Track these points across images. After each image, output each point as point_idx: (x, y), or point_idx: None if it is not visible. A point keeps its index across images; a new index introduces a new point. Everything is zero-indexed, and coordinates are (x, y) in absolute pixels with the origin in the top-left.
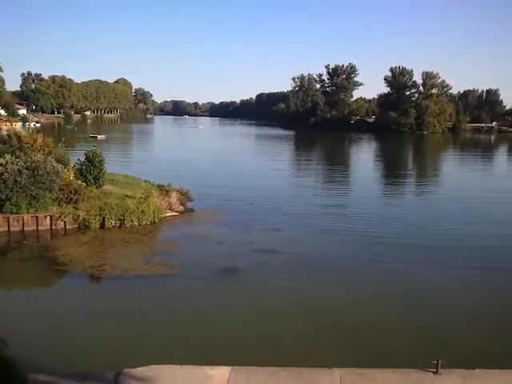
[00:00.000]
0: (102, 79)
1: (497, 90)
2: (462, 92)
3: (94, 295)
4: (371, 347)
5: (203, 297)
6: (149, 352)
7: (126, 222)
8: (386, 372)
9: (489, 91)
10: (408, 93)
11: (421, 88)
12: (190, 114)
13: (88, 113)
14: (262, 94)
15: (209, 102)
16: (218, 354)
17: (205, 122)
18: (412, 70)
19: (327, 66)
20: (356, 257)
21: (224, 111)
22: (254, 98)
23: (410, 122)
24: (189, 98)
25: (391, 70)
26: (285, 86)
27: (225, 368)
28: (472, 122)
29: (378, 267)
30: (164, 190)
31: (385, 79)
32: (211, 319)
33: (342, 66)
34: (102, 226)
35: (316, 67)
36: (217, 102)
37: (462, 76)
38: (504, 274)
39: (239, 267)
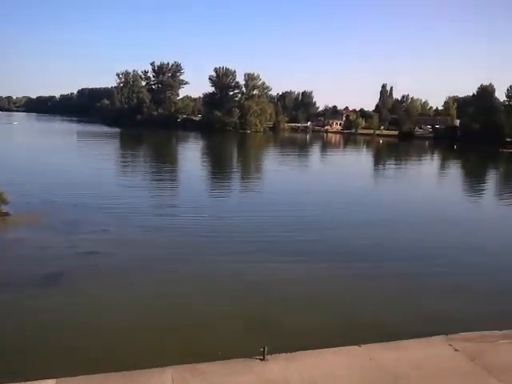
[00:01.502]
0: None
1: (311, 93)
2: (280, 94)
3: None
4: (205, 343)
5: (23, 307)
6: None
7: None
8: (216, 364)
9: (304, 93)
10: (232, 93)
11: (243, 89)
12: (2, 109)
13: None
14: (84, 89)
15: (24, 96)
16: (41, 368)
17: (20, 117)
18: (235, 71)
19: (152, 64)
20: (188, 256)
21: (42, 107)
22: (75, 93)
23: (234, 121)
24: (1, 91)
25: (215, 70)
26: (109, 81)
27: (49, 381)
28: (290, 122)
29: (210, 264)
30: None
31: (209, 79)
32: (31, 330)
33: (168, 64)
34: None
35: (143, 64)
36: (34, 97)
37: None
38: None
39: (64, 272)
